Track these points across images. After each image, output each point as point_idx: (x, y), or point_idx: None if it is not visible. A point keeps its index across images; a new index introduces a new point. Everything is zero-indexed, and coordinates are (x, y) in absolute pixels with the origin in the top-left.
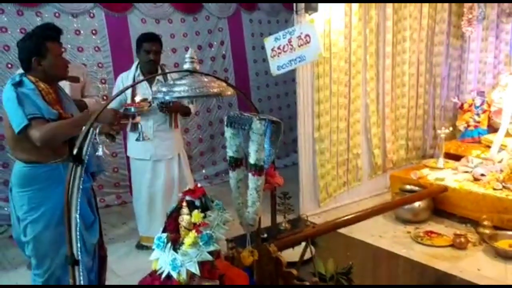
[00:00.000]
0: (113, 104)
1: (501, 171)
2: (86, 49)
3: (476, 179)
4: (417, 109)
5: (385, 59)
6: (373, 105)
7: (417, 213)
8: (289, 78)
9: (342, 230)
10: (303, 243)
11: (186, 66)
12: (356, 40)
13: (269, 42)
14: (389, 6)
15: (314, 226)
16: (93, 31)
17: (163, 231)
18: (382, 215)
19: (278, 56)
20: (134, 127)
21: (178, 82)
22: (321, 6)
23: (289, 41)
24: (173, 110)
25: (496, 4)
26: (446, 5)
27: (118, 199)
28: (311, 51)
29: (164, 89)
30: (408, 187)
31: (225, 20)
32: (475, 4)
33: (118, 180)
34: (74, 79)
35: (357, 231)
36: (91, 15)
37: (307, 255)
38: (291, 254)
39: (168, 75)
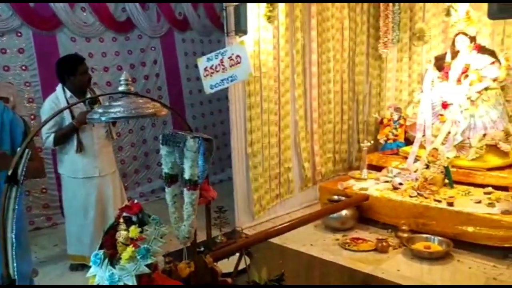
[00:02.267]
0: (47, 127)
1: (416, 179)
2: (13, 68)
3: (395, 188)
4: (342, 124)
5: (312, 78)
6: (301, 121)
7: (344, 222)
8: (222, 96)
9: (276, 241)
10: (238, 254)
11: (121, 88)
12: (284, 61)
13: (202, 62)
14: (314, 29)
15: (247, 237)
16: (20, 50)
17: (100, 248)
18: (313, 225)
19: (211, 75)
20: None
21: (114, 104)
22: (250, 28)
23: (221, 61)
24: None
25: (408, 29)
26: (365, 28)
27: (49, 220)
28: (242, 71)
29: (100, 110)
30: (335, 197)
31: (157, 40)
32: (390, 29)
33: (47, 201)
34: (3, 100)
35: (290, 241)
36: (18, 34)
37: (242, 265)
38: (227, 265)
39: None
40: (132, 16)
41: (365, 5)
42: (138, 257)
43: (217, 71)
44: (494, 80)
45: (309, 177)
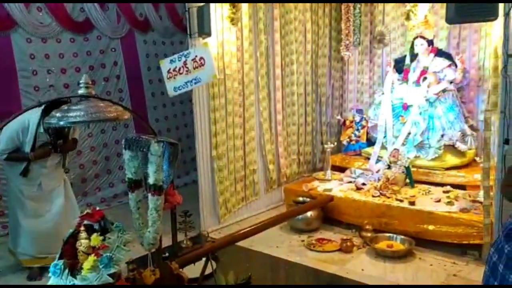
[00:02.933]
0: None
1: (379, 180)
2: None
3: (358, 188)
4: (306, 126)
5: (276, 81)
6: (266, 124)
7: (309, 223)
8: (186, 98)
9: (243, 244)
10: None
11: (81, 91)
12: (248, 63)
13: (165, 65)
14: (277, 32)
15: (214, 241)
16: None
17: (60, 258)
18: (279, 227)
19: (174, 78)
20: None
21: (73, 107)
22: (214, 30)
23: (185, 63)
24: (67, 150)
25: (369, 32)
26: (327, 31)
27: (4, 229)
28: (206, 73)
29: (58, 114)
30: (300, 198)
31: (118, 41)
32: (351, 31)
33: (3, 208)
34: None
35: (256, 243)
36: None
37: (209, 270)
38: (193, 270)
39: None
40: (90, 16)
41: (327, 8)
42: (101, 266)
43: (181, 73)
44: (451, 82)
45: (274, 179)
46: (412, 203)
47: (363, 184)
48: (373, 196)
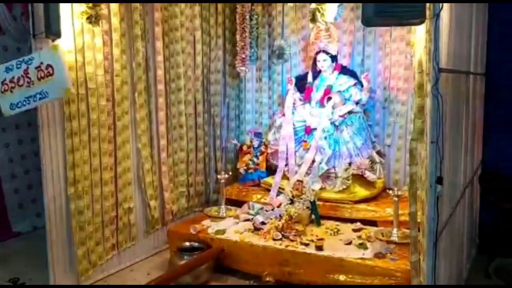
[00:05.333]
0: None
1: (280, 217)
2: None
3: (256, 229)
4: (197, 152)
5: (158, 98)
6: (145, 150)
7: (197, 276)
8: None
9: None
10: None
11: None
12: (120, 75)
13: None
14: (159, 39)
15: None
16: None
17: None
18: None
19: (11, 91)
20: None
21: None
22: (69, 30)
23: (26, 72)
24: None
25: (267, 45)
26: (220, 43)
27: None
28: (55, 86)
29: None
30: (187, 244)
31: None
32: (247, 44)
33: None
34: None
35: None
36: None
37: None
38: None
39: None
40: None
41: (220, 16)
42: None
43: (20, 86)
44: (357, 103)
45: (157, 218)
46: (320, 248)
47: (263, 223)
48: (274, 239)
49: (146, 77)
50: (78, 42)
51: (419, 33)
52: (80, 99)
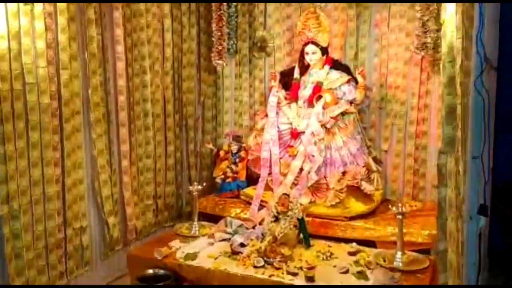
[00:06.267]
0: None
1: (263, 236)
2: None
3: (234, 253)
4: (166, 158)
5: (118, 96)
6: (102, 158)
7: None
8: None
9: None
10: None
11: None
12: (68, 68)
13: None
14: (119, 26)
15: None
16: None
17: None
18: None
19: None
20: None
21: None
22: None
23: None
24: None
25: (247, 37)
26: (194, 32)
27: None
28: None
29: None
30: (150, 271)
31: None
32: (225, 35)
33: None
34: None
35: None
36: None
37: None
38: None
39: None
40: None
41: (193, 2)
42: None
43: None
44: (351, 102)
45: (117, 238)
46: (311, 279)
47: (242, 245)
48: (255, 267)
49: (102, 70)
50: (13, 25)
51: (450, 8)
52: (15, 97)
